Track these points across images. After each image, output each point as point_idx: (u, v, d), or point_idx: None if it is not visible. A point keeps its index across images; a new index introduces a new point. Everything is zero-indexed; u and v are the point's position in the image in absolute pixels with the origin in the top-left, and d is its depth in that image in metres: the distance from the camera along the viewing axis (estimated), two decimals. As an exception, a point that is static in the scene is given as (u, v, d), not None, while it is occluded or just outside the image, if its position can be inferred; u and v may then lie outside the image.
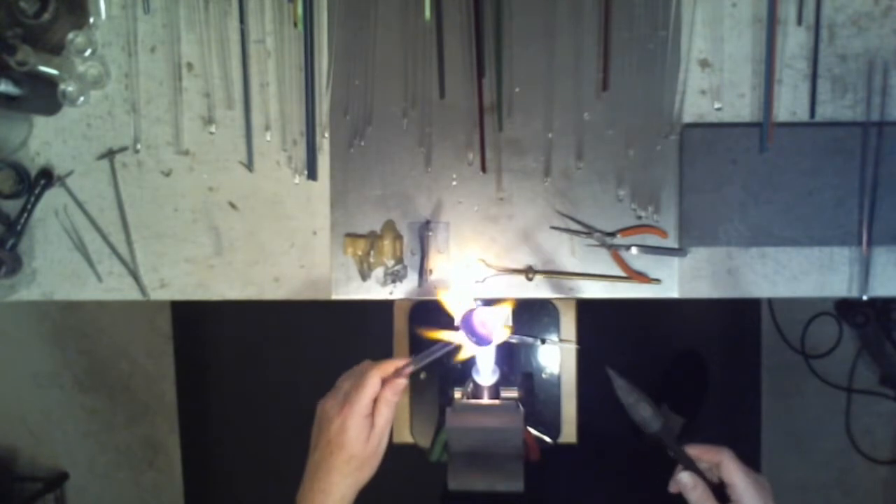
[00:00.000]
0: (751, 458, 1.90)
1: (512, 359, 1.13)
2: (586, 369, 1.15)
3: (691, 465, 0.72)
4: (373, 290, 0.92)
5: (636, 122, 0.88)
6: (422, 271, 0.90)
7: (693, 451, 0.72)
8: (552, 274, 0.90)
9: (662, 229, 0.89)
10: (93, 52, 0.89)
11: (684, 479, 0.70)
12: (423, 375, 1.14)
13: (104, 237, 0.93)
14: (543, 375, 1.13)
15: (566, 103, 0.89)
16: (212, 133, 0.91)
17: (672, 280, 0.90)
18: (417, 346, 1.15)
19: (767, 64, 0.85)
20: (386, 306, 1.11)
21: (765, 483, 0.69)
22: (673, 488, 0.72)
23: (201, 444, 2.02)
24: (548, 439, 1.12)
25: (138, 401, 2.03)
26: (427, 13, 0.86)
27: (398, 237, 0.90)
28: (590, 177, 0.89)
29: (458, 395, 0.93)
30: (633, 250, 0.89)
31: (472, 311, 0.73)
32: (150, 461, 2.05)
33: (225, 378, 1.99)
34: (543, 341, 1.12)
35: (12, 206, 0.92)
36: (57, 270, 0.93)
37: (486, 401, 0.87)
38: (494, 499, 0.88)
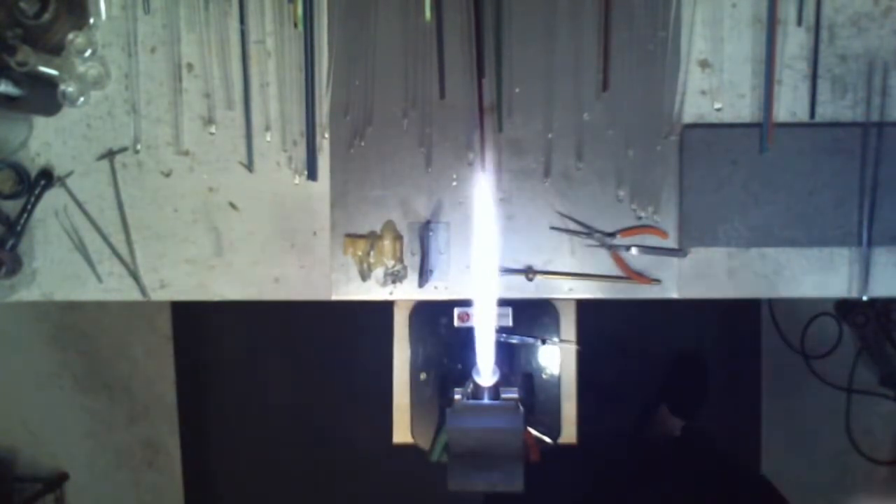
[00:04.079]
0: (751, 459, 1.90)
1: (512, 359, 1.13)
2: (586, 370, 1.15)
3: None
4: (373, 291, 0.92)
5: (636, 122, 0.88)
6: (422, 271, 0.90)
7: None
8: (552, 274, 0.90)
9: (662, 230, 0.89)
10: (93, 53, 0.89)
11: None
12: (423, 376, 1.14)
13: (104, 238, 0.92)
14: (543, 376, 1.13)
15: (566, 103, 0.89)
16: (212, 133, 0.91)
17: (672, 280, 0.90)
18: (418, 346, 1.15)
19: (767, 64, 0.85)
20: (386, 306, 1.11)
21: None
22: None
23: (201, 444, 2.02)
24: (548, 439, 1.12)
25: (138, 401, 2.03)
26: (427, 13, 0.86)
27: (398, 237, 0.90)
28: (590, 177, 0.89)
29: (458, 395, 0.93)
30: (633, 251, 0.89)
31: None
32: (150, 461, 2.05)
33: (225, 378, 1.99)
34: (544, 342, 1.12)
35: (12, 207, 0.92)
36: (57, 271, 0.93)
37: (486, 401, 0.87)
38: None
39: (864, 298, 0.89)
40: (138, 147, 0.91)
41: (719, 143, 0.87)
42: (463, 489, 0.87)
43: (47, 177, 0.91)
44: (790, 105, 0.88)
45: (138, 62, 0.91)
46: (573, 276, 0.90)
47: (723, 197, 0.87)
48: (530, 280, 0.90)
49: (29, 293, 0.93)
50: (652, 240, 0.89)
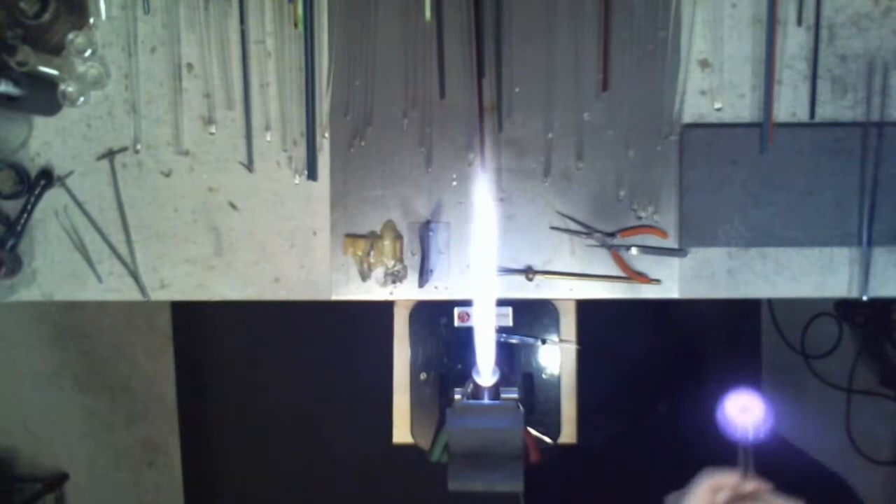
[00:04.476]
0: (751, 458, 1.90)
1: (512, 359, 1.13)
2: (586, 369, 1.15)
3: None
4: (373, 291, 0.92)
5: (636, 122, 0.88)
6: (422, 271, 0.90)
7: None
8: (552, 274, 0.90)
9: (662, 229, 0.89)
10: (93, 53, 0.89)
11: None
12: (423, 376, 1.14)
13: (104, 238, 0.92)
14: (543, 376, 1.13)
15: (566, 103, 0.89)
16: (212, 133, 0.91)
17: (672, 280, 0.90)
18: (418, 346, 1.15)
19: (767, 64, 0.85)
20: (386, 307, 1.11)
21: None
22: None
23: (201, 444, 2.02)
24: (548, 439, 1.12)
25: (138, 401, 2.03)
26: (427, 13, 0.86)
27: (398, 237, 0.90)
28: (590, 177, 0.89)
29: (458, 395, 0.93)
30: (633, 250, 0.89)
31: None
32: (150, 461, 2.05)
33: (225, 378, 1.99)
34: (544, 341, 1.12)
35: (12, 207, 0.92)
36: (57, 271, 0.93)
37: (486, 401, 0.87)
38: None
39: (864, 298, 0.89)
40: (138, 147, 0.91)
41: (719, 143, 0.87)
42: (463, 489, 0.86)
43: (47, 177, 0.91)
44: (790, 105, 0.88)
45: (138, 62, 0.91)
46: (573, 276, 0.90)
47: (723, 197, 0.87)
48: (530, 280, 0.90)
49: (29, 293, 0.93)
50: (652, 240, 0.89)
